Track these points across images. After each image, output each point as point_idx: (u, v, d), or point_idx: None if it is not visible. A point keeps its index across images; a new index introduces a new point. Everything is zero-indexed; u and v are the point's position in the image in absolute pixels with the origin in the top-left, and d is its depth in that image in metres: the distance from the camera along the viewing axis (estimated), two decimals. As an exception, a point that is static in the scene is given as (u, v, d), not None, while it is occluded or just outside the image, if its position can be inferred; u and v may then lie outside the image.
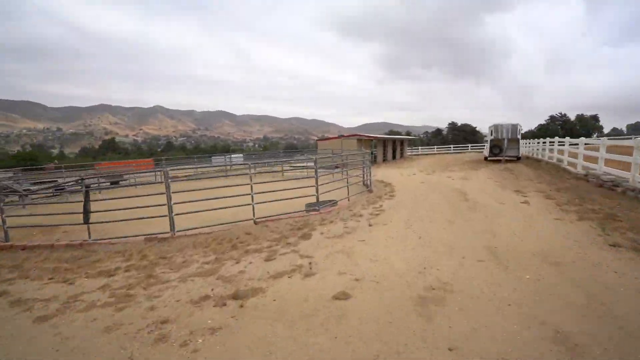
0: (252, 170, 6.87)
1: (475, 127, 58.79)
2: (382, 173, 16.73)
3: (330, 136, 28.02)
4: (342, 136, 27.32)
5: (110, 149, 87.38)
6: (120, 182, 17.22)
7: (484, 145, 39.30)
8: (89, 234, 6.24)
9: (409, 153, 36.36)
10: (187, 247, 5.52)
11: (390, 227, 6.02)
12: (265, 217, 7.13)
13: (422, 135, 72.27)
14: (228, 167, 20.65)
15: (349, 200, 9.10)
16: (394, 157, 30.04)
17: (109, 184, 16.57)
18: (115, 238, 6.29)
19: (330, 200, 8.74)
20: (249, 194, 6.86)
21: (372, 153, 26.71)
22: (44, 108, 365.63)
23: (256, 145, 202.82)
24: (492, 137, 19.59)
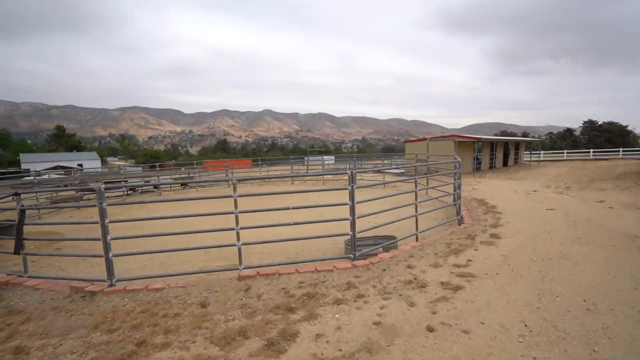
0: (236, 192, 4.22)
1: (626, 126, 44.17)
2: (486, 186, 12.22)
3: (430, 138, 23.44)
4: (447, 136, 22.39)
5: (221, 148, 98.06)
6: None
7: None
8: (25, 266, 4.59)
9: (527, 159, 28.84)
10: (82, 327, 3.20)
11: (474, 353, 2.59)
12: (259, 266, 4.45)
13: (544, 137, 58.35)
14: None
15: (417, 238, 5.70)
16: (505, 164, 23.84)
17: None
18: (49, 278, 4.49)
19: (383, 238, 5.52)
20: (233, 229, 4.25)
21: (475, 158, 21.45)
22: (181, 114, 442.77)
23: (354, 147, 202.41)
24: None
